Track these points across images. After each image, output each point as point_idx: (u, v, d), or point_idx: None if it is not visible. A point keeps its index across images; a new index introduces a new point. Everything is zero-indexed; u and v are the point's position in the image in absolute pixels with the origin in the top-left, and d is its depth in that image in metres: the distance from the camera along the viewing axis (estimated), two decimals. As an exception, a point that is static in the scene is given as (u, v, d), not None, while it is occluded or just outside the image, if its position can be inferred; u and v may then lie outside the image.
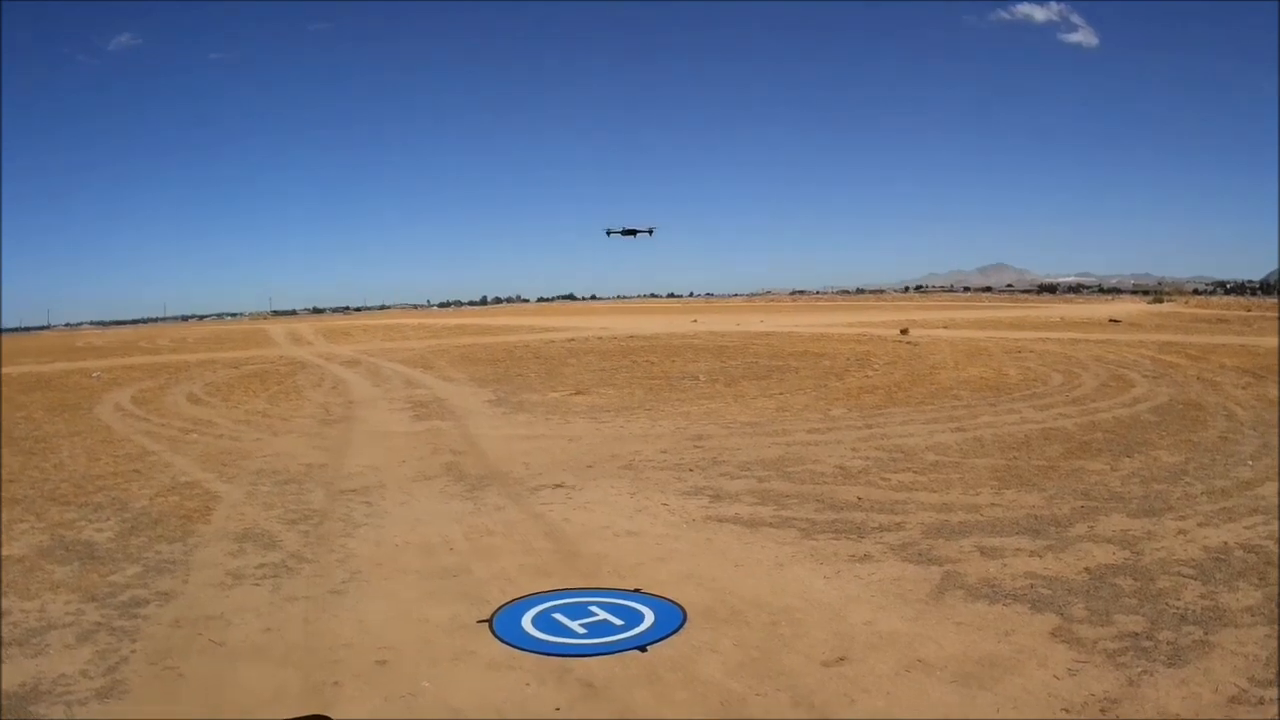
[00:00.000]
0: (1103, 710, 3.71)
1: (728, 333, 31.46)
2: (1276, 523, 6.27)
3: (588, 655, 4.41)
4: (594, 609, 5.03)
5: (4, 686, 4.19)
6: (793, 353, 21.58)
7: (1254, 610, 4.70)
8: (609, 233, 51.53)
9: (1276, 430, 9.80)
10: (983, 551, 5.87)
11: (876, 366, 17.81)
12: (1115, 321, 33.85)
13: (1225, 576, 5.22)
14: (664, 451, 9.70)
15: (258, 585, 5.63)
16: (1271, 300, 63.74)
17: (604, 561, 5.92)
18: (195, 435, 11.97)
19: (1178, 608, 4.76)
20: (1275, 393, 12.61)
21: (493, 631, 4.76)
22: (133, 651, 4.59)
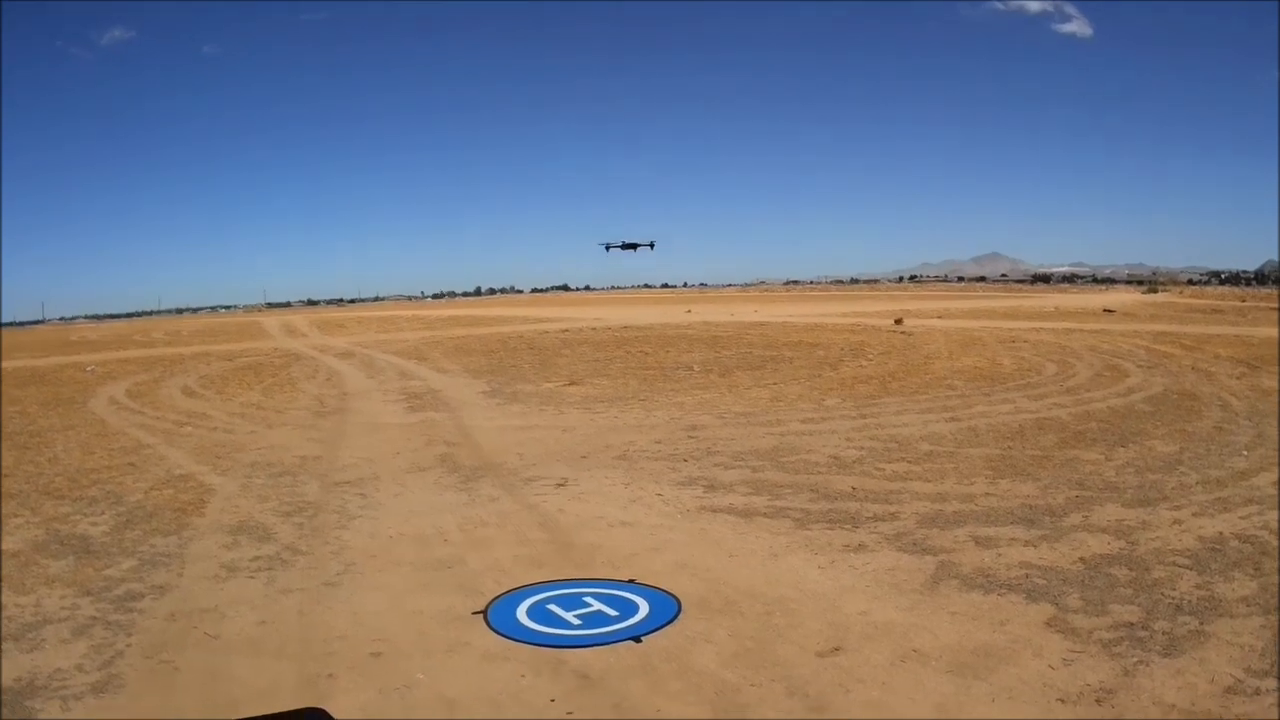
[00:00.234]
0: (1098, 700, 3.72)
1: (722, 323, 31.40)
2: (1271, 513, 6.29)
3: (582, 646, 4.41)
4: (588, 600, 5.03)
5: (1, 682, 4.17)
6: (787, 343, 21.58)
7: (1249, 600, 4.71)
8: (608, 247, 49.17)
9: (1272, 420, 9.83)
10: (977, 541, 5.88)
11: (871, 356, 17.82)
12: (1110, 311, 33.86)
13: (1220, 566, 5.24)
14: (658, 442, 9.70)
15: (252, 578, 5.62)
16: (1266, 290, 63.83)
17: (598, 552, 5.93)
18: (190, 428, 11.93)
19: (1173, 598, 4.78)
20: (1269, 383, 12.64)
21: (487, 623, 4.76)
22: (128, 645, 4.59)
